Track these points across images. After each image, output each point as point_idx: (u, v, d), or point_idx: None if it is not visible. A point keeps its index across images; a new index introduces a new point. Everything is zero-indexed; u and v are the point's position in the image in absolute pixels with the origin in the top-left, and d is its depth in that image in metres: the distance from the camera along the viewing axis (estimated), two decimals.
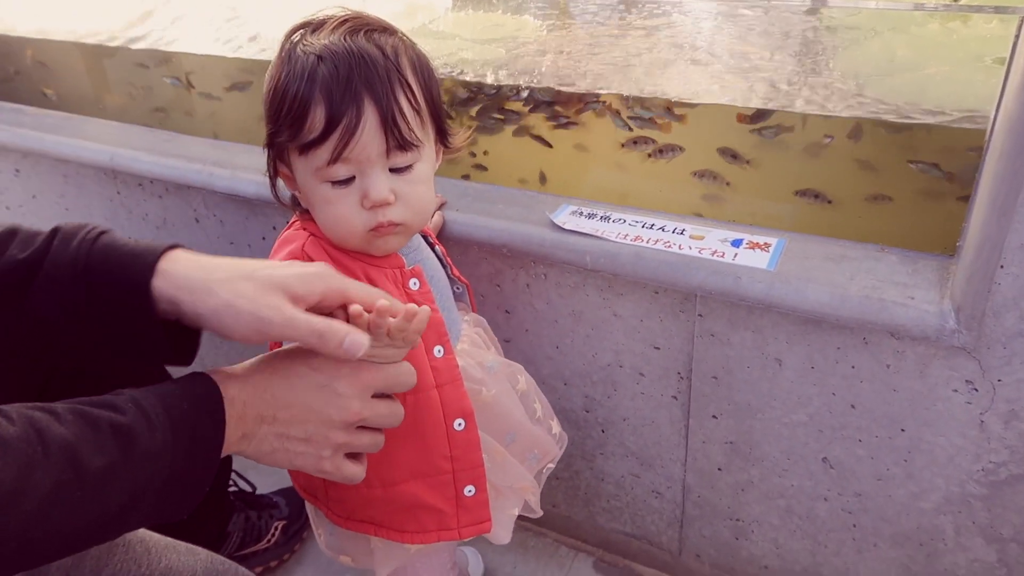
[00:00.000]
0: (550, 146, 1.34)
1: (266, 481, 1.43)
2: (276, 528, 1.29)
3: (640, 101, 1.24)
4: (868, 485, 1.00)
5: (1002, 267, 0.78)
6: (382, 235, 0.80)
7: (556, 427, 1.04)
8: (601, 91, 1.27)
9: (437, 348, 0.84)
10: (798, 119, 1.13)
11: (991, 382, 0.86)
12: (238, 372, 0.70)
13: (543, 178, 1.37)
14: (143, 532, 0.80)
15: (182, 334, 0.70)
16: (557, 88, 1.28)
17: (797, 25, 1.33)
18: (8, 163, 1.63)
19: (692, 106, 1.22)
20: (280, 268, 0.69)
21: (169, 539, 0.82)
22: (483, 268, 1.13)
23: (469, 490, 0.87)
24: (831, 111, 1.09)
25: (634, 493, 1.21)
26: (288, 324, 0.65)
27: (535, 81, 1.31)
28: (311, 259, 0.81)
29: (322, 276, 0.70)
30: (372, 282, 0.82)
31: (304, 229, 0.85)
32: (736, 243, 1.00)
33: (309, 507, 0.95)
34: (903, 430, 0.94)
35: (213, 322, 0.66)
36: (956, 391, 0.88)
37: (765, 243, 1.00)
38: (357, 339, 0.66)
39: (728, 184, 1.23)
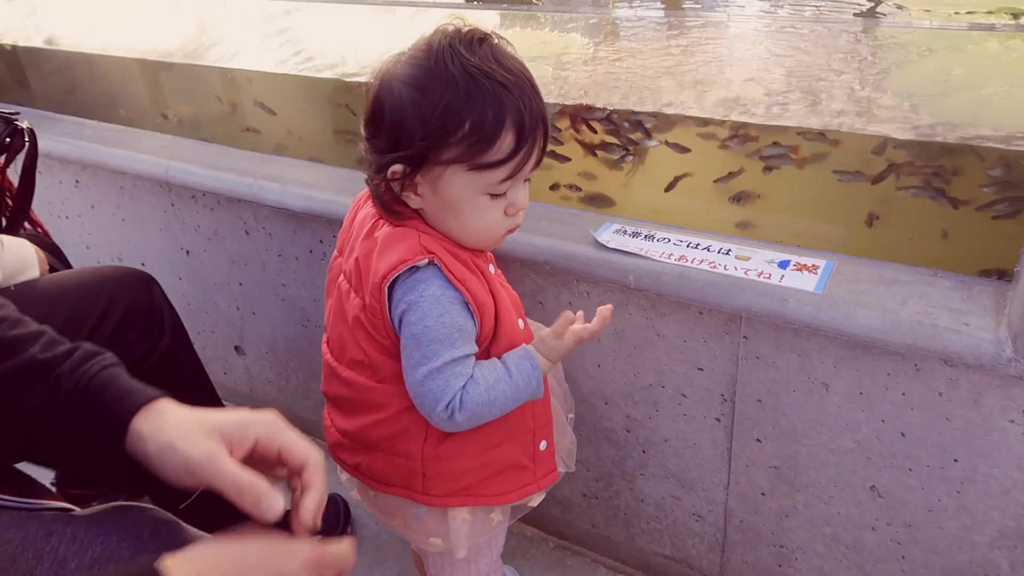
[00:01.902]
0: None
1: None
2: None
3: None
4: (918, 516, 0.97)
5: None
6: (509, 235, 0.89)
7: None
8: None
9: (519, 321, 0.92)
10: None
11: None
12: (188, 559, 0.70)
13: None
14: None
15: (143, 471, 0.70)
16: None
17: (850, 40, 1.31)
18: (69, 174, 1.68)
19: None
20: (228, 414, 0.70)
21: None
22: (526, 284, 1.13)
23: (543, 444, 0.96)
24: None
25: (675, 515, 1.20)
26: (215, 472, 0.65)
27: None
28: (429, 251, 0.84)
29: (264, 423, 0.70)
30: (480, 269, 0.87)
31: (408, 227, 0.86)
32: (783, 264, 0.99)
33: (382, 500, 0.98)
34: (956, 460, 0.91)
35: (156, 463, 0.67)
36: (1012, 422, 0.85)
37: (813, 265, 0.98)
38: (273, 505, 0.64)
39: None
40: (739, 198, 1.18)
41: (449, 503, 0.94)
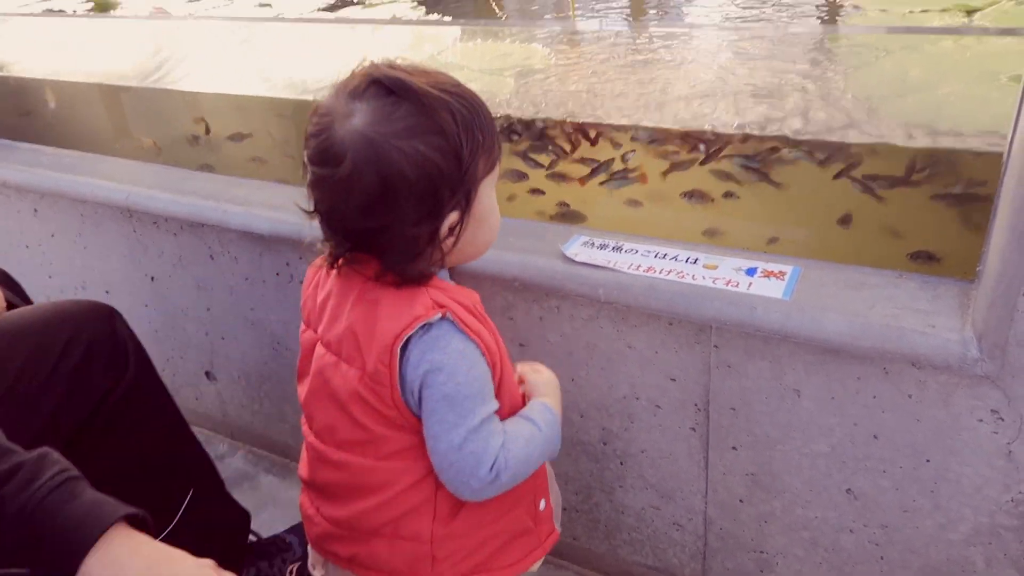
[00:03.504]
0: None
1: (275, 518, 1.42)
2: (291, 572, 1.28)
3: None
4: (894, 516, 0.98)
5: None
6: None
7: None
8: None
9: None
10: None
11: (1018, 411, 0.83)
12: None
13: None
14: None
15: None
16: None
17: (811, 45, 1.32)
18: (27, 203, 1.65)
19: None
20: (183, 563, 0.70)
21: None
22: (496, 301, 1.13)
23: (542, 504, 0.92)
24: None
25: (655, 526, 1.19)
26: None
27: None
28: (441, 305, 0.78)
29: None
30: (480, 311, 0.83)
31: (408, 289, 0.80)
32: (750, 272, 0.99)
33: None
34: (928, 460, 0.92)
35: None
36: (981, 421, 0.86)
37: (780, 271, 0.98)
38: None
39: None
40: (691, 195, 1.18)
41: None
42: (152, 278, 1.55)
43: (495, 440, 0.79)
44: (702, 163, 1.17)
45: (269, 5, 2.52)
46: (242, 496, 1.36)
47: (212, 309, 1.50)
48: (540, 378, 0.93)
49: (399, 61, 0.78)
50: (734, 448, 1.05)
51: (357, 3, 2.41)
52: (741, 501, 1.09)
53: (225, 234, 1.37)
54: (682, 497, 1.14)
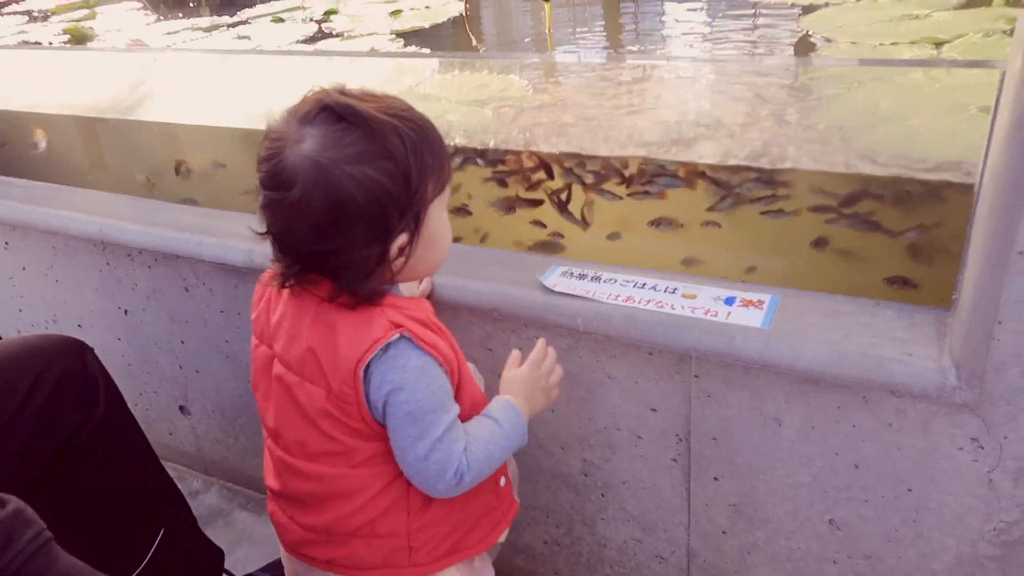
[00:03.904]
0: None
1: (251, 555, 1.39)
2: None
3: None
4: (877, 547, 0.97)
5: (1000, 323, 0.76)
6: None
7: None
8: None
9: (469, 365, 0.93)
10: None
11: (997, 439, 0.83)
12: None
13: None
14: None
15: None
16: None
17: (782, 76, 1.34)
18: None
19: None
20: None
21: None
22: (474, 332, 1.12)
23: (503, 481, 0.95)
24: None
25: (638, 559, 1.18)
26: None
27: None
28: (397, 325, 0.80)
29: None
30: (434, 322, 0.85)
31: (364, 309, 0.81)
32: (729, 301, 0.99)
33: None
34: (910, 490, 0.91)
35: None
36: (961, 449, 0.86)
37: (759, 300, 0.98)
38: None
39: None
40: (658, 223, 1.19)
41: (438, 567, 0.91)
42: (125, 311, 1.52)
43: (457, 446, 0.83)
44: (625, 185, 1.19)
45: (248, 38, 2.52)
46: (216, 533, 1.33)
47: (187, 342, 1.48)
48: (513, 374, 0.96)
49: (349, 87, 0.79)
50: (716, 479, 1.04)
51: (336, 36, 2.42)
52: (724, 532, 1.08)
53: (200, 266, 1.35)
54: (664, 529, 1.13)
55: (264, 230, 0.81)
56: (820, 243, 1.14)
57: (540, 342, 1.00)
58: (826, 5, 2.16)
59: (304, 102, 0.78)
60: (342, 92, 0.78)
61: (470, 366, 1.00)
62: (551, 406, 0.96)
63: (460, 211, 1.32)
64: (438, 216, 0.83)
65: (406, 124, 0.77)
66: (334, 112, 0.76)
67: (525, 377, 0.96)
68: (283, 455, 0.90)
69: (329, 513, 0.88)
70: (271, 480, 0.95)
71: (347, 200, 0.74)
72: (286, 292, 0.85)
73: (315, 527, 0.90)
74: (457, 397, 0.86)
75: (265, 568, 1.32)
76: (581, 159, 1.27)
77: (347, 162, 0.74)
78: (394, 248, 0.79)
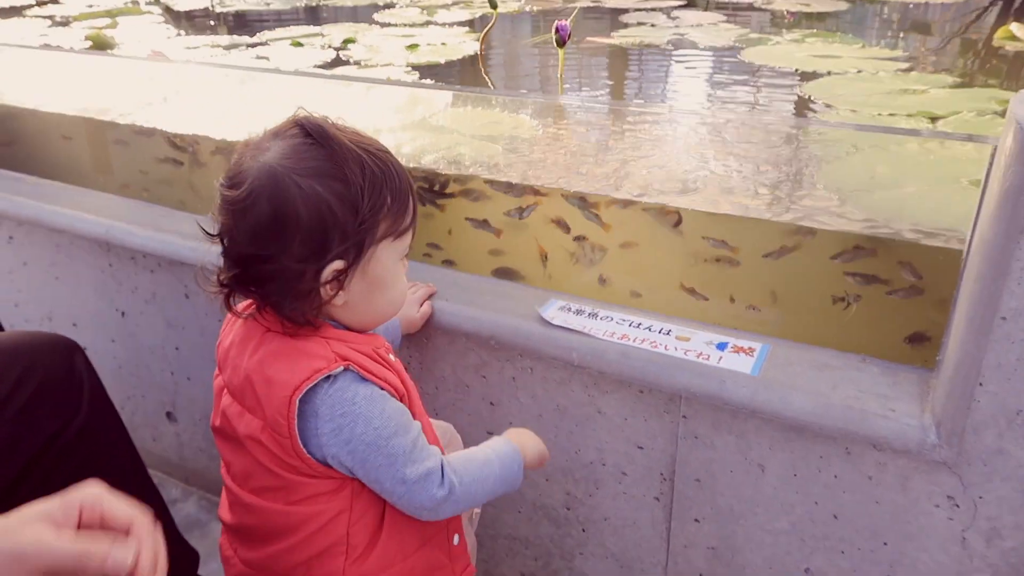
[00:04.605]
0: None
1: None
2: None
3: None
4: None
5: (981, 385, 0.79)
6: None
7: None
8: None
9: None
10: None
11: (972, 499, 0.86)
12: None
13: None
14: None
15: None
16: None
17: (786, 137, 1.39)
18: (2, 230, 1.64)
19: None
20: (45, 500, 0.69)
21: None
22: (470, 359, 1.14)
23: (456, 539, 0.92)
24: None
25: None
26: (49, 552, 0.64)
27: None
28: (344, 358, 0.78)
29: (84, 494, 0.68)
30: (382, 357, 0.83)
31: (311, 337, 0.80)
32: (721, 346, 1.02)
33: None
34: (886, 543, 0.93)
35: None
36: (938, 506, 0.88)
37: (750, 348, 1.01)
38: (120, 555, 0.63)
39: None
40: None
41: None
42: (123, 313, 1.53)
43: (433, 459, 0.82)
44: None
45: (267, 58, 2.58)
46: (192, 543, 1.32)
47: (181, 349, 1.49)
48: (516, 430, 0.95)
49: (335, 119, 0.81)
50: (697, 520, 1.05)
51: (354, 64, 2.47)
52: (701, 575, 1.09)
53: (203, 274, 1.37)
54: (642, 568, 1.13)
55: (216, 232, 0.81)
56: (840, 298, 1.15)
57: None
58: (828, 74, 2.24)
59: (284, 121, 0.80)
60: (322, 118, 0.79)
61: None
62: (538, 464, 0.94)
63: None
64: (388, 261, 0.81)
65: (372, 158, 0.78)
66: (304, 130, 0.77)
67: (530, 434, 0.95)
68: (232, 485, 0.89)
69: (267, 549, 0.86)
70: (223, 512, 0.93)
71: (289, 209, 0.74)
72: (239, 320, 0.85)
73: (253, 562, 0.88)
74: None
75: None
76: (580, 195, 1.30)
77: (300, 174, 0.75)
78: (327, 271, 0.77)
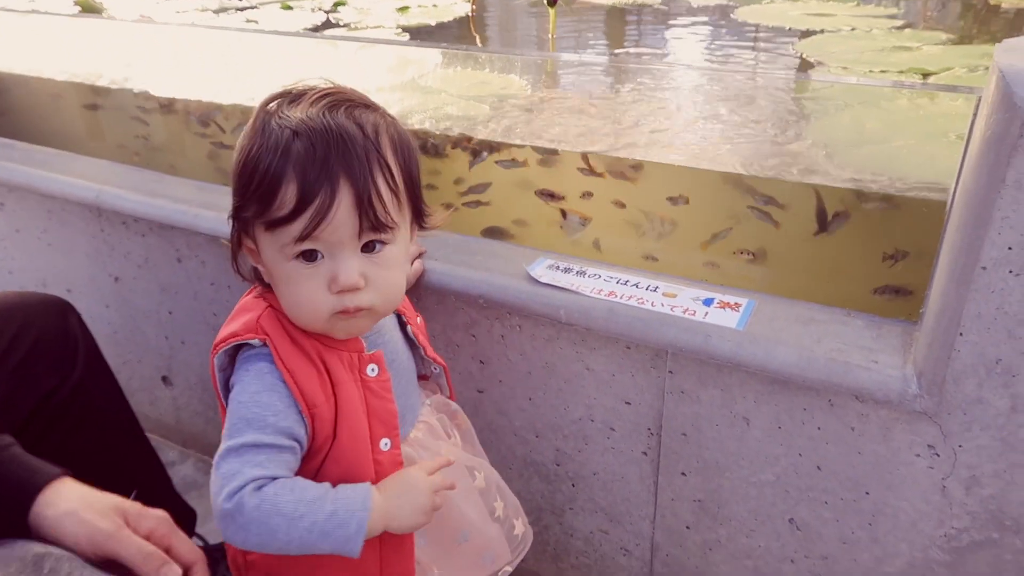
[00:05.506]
0: None
1: None
2: None
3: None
4: (834, 548, 1.00)
5: (961, 335, 0.80)
6: (347, 318, 0.76)
7: (520, 527, 1.00)
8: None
9: (384, 441, 0.81)
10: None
11: (952, 448, 0.87)
12: None
13: None
14: None
15: None
16: None
17: (777, 94, 1.38)
18: None
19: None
20: (126, 501, 0.82)
21: None
22: (459, 318, 1.15)
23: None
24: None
25: (603, 550, 1.20)
26: (121, 539, 0.76)
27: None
28: (266, 333, 0.77)
29: (157, 520, 0.82)
30: (326, 366, 0.78)
31: (263, 298, 0.81)
32: (707, 302, 1.02)
33: None
34: (867, 493, 0.95)
35: (53, 530, 0.77)
36: (918, 456, 0.90)
37: (735, 303, 1.02)
38: (174, 570, 0.76)
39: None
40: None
41: None
42: (116, 279, 1.54)
43: (251, 471, 0.70)
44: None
45: (256, 21, 2.55)
46: (190, 504, 1.34)
47: (175, 313, 1.49)
48: (403, 473, 0.81)
49: (320, 81, 0.79)
50: (683, 474, 1.07)
51: (344, 27, 2.45)
52: (688, 528, 1.11)
53: (194, 238, 1.37)
54: (631, 522, 1.16)
55: None
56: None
57: (442, 459, 0.86)
58: (821, 32, 2.22)
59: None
60: (304, 86, 0.77)
61: (409, 451, 0.87)
62: (415, 528, 0.80)
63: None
64: (269, 251, 0.75)
65: (264, 132, 0.73)
66: (281, 91, 0.77)
67: (410, 476, 0.81)
68: None
69: None
70: None
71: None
72: None
73: None
74: (329, 457, 0.78)
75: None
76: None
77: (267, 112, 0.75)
78: (235, 229, 0.78)
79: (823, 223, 1.04)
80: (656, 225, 1.14)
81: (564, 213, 1.18)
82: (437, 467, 0.84)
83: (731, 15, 2.59)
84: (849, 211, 1.10)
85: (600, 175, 1.25)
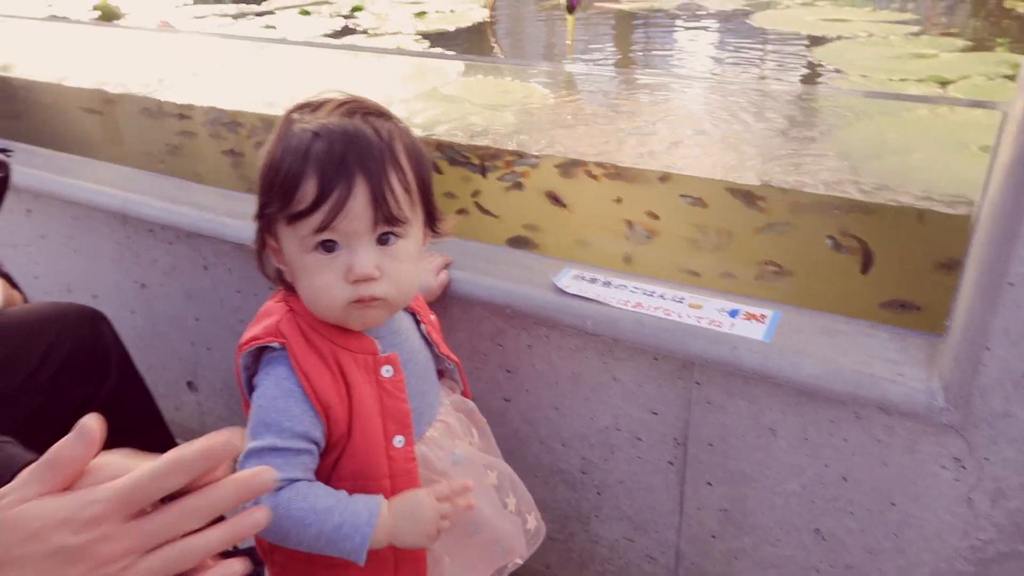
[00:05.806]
0: None
1: None
2: None
3: None
4: (859, 558, 1.02)
5: (988, 349, 0.81)
6: (362, 308, 0.80)
7: (532, 521, 1.02)
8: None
9: (398, 438, 0.84)
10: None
11: (978, 460, 0.88)
12: None
13: None
14: None
15: None
16: None
17: (795, 103, 1.39)
18: (20, 203, 1.66)
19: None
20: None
21: None
22: (486, 327, 1.16)
23: None
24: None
25: (628, 558, 1.22)
26: (174, 458, 0.54)
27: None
28: (284, 336, 0.82)
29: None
30: (340, 367, 0.82)
31: (285, 302, 0.86)
32: (733, 313, 1.04)
33: None
34: (893, 504, 0.96)
35: None
36: (944, 468, 0.91)
37: (761, 315, 1.03)
38: (236, 438, 0.55)
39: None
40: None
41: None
42: (142, 285, 1.56)
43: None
44: None
45: (274, 27, 2.57)
46: None
47: (201, 319, 1.51)
48: (415, 494, 0.83)
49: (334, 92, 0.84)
50: (709, 483, 1.08)
51: (362, 32, 2.46)
52: (713, 536, 1.12)
53: (221, 246, 1.39)
54: (656, 530, 1.17)
55: None
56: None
57: (457, 484, 0.86)
58: (837, 38, 2.22)
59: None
60: (320, 98, 0.83)
61: (424, 449, 0.89)
62: (417, 548, 0.84)
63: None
64: (288, 242, 0.80)
65: (288, 136, 0.79)
66: (338, 99, 0.82)
67: (419, 499, 0.82)
68: None
69: None
70: None
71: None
72: None
73: None
74: (344, 456, 0.82)
75: (248, 549, 1.35)
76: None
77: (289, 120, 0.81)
78: (259, 230, 0.83)
79: (867, 266, 1.06)
80: (712, 238, 1.15)
81: (630, 224, 1.20)
82: (450, 494, 0.84)
83: (747, 20, 2.59)
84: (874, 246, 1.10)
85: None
